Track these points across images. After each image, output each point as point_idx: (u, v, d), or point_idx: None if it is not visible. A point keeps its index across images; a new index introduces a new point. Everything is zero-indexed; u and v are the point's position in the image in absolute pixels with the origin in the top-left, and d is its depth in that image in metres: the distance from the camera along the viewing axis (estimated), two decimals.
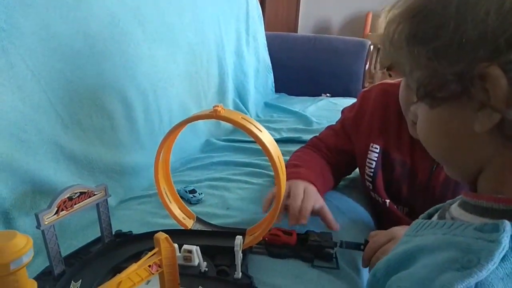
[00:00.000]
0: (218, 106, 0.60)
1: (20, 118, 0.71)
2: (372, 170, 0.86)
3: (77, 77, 0.83)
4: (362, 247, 0.68)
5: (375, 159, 0.85)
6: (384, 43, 0.38)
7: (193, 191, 0.90)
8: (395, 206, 0.86)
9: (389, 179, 0.85)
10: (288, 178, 0.79)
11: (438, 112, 0.35)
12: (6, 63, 0.69)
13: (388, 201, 0.86)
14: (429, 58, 0.33)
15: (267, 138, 0.61)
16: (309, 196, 0.74)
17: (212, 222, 0.77)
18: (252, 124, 0.61)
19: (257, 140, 0.60)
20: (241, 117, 0.62)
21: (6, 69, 0.70)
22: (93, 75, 0.88)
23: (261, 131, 0.61)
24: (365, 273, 0.71)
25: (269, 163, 0.62)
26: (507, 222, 0.30)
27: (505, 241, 0.29)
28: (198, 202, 0.88)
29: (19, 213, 0.70)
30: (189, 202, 0.87)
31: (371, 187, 0.88)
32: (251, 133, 0.60)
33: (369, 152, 0.86)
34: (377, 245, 0.66)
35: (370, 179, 0.87)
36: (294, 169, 0.84)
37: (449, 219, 0.37)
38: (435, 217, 0.41)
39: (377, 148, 0.85)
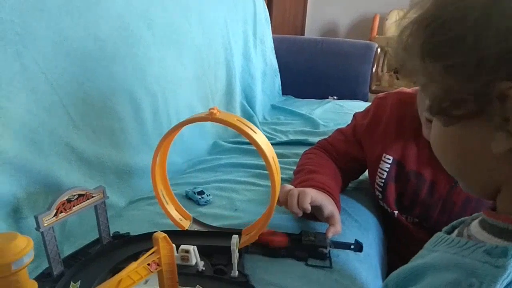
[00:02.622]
0: (213, 108, 0.61)
1: (33, 120, 0.73)
2: (383, 180, 0.84)
3: (88, 79, 0.85)
4: (352, 246, 0.69)
5: (387, 169, 0.83)
6: (397, 51, 0.36)
7: (201, 193, 0.91)
8: (404, 217, 0.85)
9: (402, 191, 0.83)
10: (302, 185, 0.78)
11: (453, 130, 0.34)
12: (20, 66, 0.71)
13: (396, 212, 0.85)
14: (444, 73, 0.31)
15: (261, 139, 0.63)
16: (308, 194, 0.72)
17: (220, 223, 0.78)
18: (246, 125, 0.63)
19: (252, 141, 0.61)
20: (236, 119, 0.63)
21: (20, 72, 0.71)
22: (104, 77, 0.90)
23: (255, 133, 0.63)
24: (362, 270, 0.71)
25: None
26: None
27: None
28: (206, 203, 0.89)
29: (32, 212, 0.71)
30: (197, 203, 0.88)
31: (380, 197, 0.87)
32: (245, 134, 0.61)
33: (381, 162, 0.84)
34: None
35: (380, 189, 0.85)
36: (309, 176, 0.82)
37: (465, 236, 0.37)
38: (455, 232, 0.40)
39: (389, 159, 0.83)
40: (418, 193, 0.81)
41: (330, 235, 0.70)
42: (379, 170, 0.84)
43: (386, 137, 0.84)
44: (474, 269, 0.30)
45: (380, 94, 0.91)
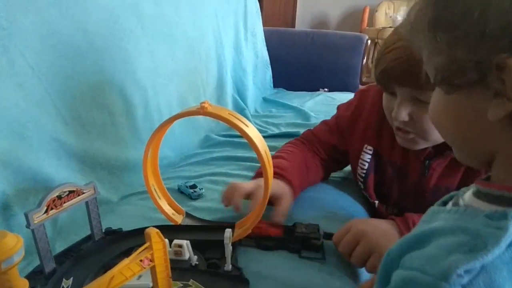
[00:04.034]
0: (205, 102, 0.61)
1: (21, 115, 0.72)
2: (365, 171, 0.86)
3: (77, 73, 0.84)
4: None
5: (368, 160, 0.85)
6: (404, 27, 0.38)
7: (193, 186, 0.90)
8: (384, 207, 0.87)
9: (381, 181, 0.86)
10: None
11: (453, 98, 0.36)
12: (7, 61, 0.70)
13: (377, 202, 0.86)
14: (450, 44, 0.33)
15: (253, 132, 0.62)
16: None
17: (213, 217, 0.78)
18: (238, 119, 0.62)
19: (244, 135, 0.61)
20: (228, 113, 0.63)
21: (7, 67, 0.70)
22: (93, 71, 0.88)
23: (247, 126, 0.62)
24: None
25: None
26: None
27: None
28: (198, 197, 0.89)
29: (22, 209, 0.70)
30: (190, 197, 0.88)
31: (362, 187, 0.88)
32: (237, 128, 0.61)
33: (363, 153, 0.86)
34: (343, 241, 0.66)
35: (362, 180, 0.87)
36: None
37: (462, 206, 0.39)
38: (449, 205, 0.42)
39: (371, 150, 0.85)
40: (393, 181, 0.84)
41: (276, 218, 0.71)
42: (360, 161, 0.86)
43: (367, 128, 0.86)
44: (477, 232, 0.32)
45: (363, 87, 0.94)
